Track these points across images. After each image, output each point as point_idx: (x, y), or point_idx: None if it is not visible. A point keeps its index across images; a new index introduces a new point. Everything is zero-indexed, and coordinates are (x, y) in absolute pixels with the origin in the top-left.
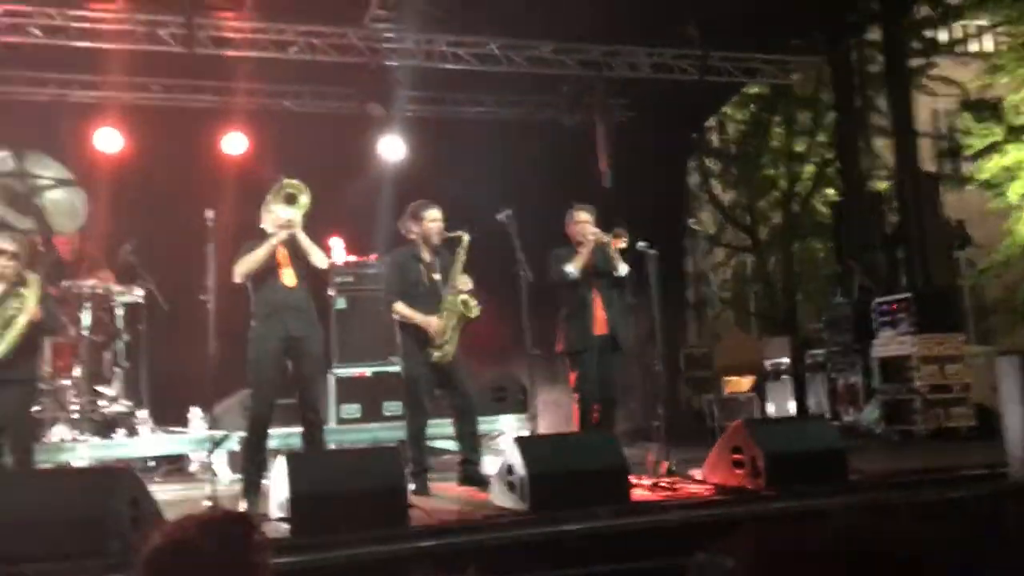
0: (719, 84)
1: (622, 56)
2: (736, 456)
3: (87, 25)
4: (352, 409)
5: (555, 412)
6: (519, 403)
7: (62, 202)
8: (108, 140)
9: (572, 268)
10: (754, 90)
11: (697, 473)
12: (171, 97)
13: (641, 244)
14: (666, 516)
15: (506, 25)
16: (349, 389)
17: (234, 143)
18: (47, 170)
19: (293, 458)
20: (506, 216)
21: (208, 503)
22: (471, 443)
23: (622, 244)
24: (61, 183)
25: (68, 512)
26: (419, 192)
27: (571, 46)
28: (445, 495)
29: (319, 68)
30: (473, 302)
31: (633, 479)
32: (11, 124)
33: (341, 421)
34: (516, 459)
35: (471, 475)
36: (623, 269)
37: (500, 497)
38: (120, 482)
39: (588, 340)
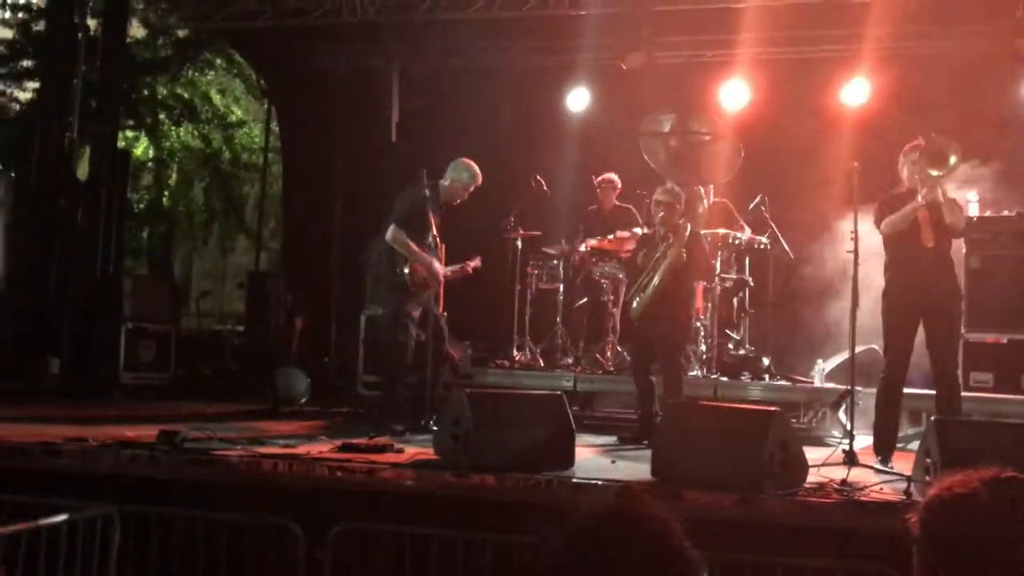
0: None
1: None
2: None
3: None
4: (984, 378)
5: None
6: None
7: (719, 155)
8: (735, 95)
9: None
10: None
11: None
12: (793, 49)
13: None
14: None
15: None
16: (980, 355)
17: (856, 91)
18: (704, 126)
19: (943, 423)
20: None
21: (840, 455)
22: None
23: None
24: (717, 137)
25: (728, 447)
26: None
27: None
28: None
29: (948, 5)
30: None
31: None
32: (666, 88)
33: (970, 389)
34: None
35: None
36: None
37: None
38: (773, 424)
39: None
